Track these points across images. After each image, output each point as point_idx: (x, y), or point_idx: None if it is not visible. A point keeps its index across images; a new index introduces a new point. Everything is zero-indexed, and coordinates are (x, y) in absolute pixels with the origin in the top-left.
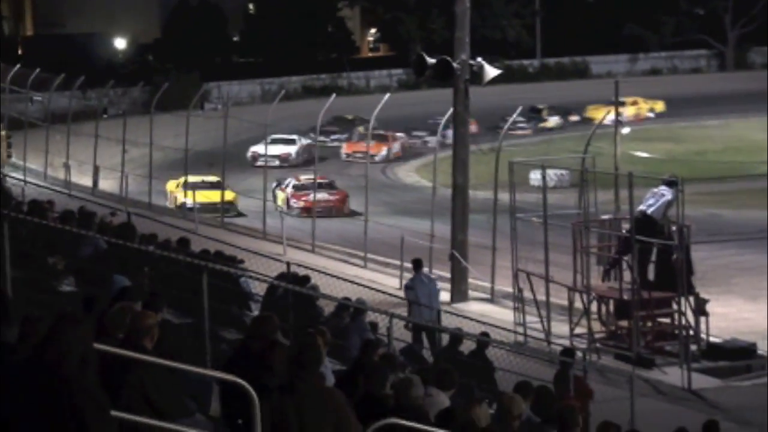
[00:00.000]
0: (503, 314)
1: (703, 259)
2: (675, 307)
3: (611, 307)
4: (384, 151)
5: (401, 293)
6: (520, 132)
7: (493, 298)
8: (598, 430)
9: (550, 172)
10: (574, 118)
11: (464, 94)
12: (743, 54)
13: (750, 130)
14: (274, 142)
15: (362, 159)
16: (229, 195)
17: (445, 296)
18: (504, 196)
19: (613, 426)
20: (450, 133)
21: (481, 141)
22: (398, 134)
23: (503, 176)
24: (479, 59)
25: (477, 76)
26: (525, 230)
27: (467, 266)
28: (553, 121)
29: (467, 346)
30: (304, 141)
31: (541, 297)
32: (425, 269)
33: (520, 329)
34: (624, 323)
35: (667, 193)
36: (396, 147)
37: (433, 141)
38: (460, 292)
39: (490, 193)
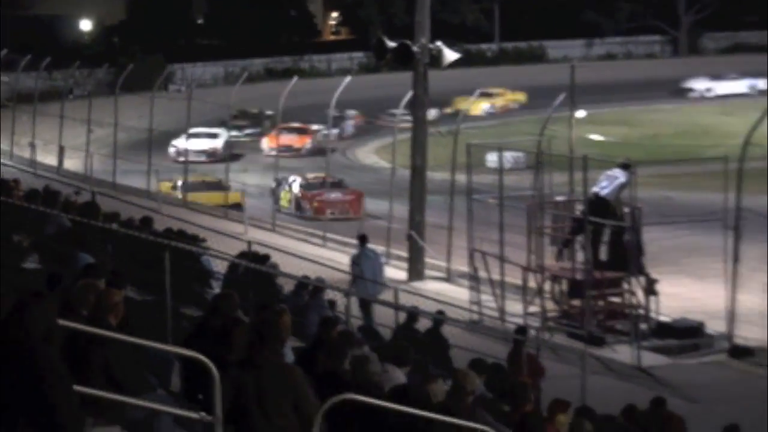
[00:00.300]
0: (459, 293)
1: (654, 240)
2: (626, 286)
3: (564, 287)
4: (308, 143)
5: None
6: (403, 125)
7: (449, 278)
8: (550, 407)
9: (507, 155)
10: (448, 110)
11: (423, 78)
12: (696, 39)
13: (701, 114)
14: (196, 136)
15: (286, 153)
16: (234, 197)
17: (402, 275)
18: (461, 178)
19: (564, 402)
20: (349, 124)
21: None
22: (314, 127)
23: (461, 158)
24: (438, 43)
25: (436, 59)
26: (481, 211)
27: (424, 246)
28: (432, 113)
29: (423, 324)
30: (226, 134)
31: (496, 276)
32: (369, 244)
33: (475, 308)
34: (576, 302)
35: (620, 175)
36: (320, 136)
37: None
38: (416, 272)
39: (447, 175)
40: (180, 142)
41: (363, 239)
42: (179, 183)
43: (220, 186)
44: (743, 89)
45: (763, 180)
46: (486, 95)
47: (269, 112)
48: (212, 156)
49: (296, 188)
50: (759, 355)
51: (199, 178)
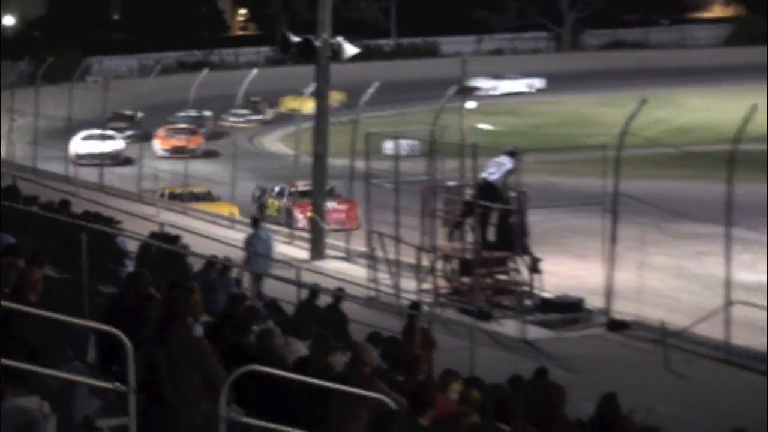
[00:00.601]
0: (357, 271)
1: (538, 222)
2: (512, 265)
3: (455, 266)
4: (202, 143)
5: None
6: (244, 125)
7: (348, 257)
8: (441, 377)
9: (403, 143)
10: (279, 110)
11: (325, 71)
12: (578, 36)
13: (582, 105)
14: (90, 138)
15: (182, 154)
16: (231, 208)
17: (304, 255)
18: (360, 164)
19: (454, 373)
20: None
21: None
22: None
23: (360, 146)
24: (339, 38)
25: (337, 54)
26: (378, 195)
27: (325, 227)
28: (270, 113)
29: (324, 301)
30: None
31: (392, 256)
32: (263, 224)
33: (372, 285)
34: (466, 280)
35: (507, 162)
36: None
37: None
38: (318, 251)
39: (347, 161)
40: (78, 146)
41: (255, 221)
42: (165, 192)
43: (209, 197)
44: (523, 88)
45: (639, 166)
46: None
47: (141, 114)
48: (115, 159)
49: (287, 198)
50: (634, 328)
51: (186, 189)
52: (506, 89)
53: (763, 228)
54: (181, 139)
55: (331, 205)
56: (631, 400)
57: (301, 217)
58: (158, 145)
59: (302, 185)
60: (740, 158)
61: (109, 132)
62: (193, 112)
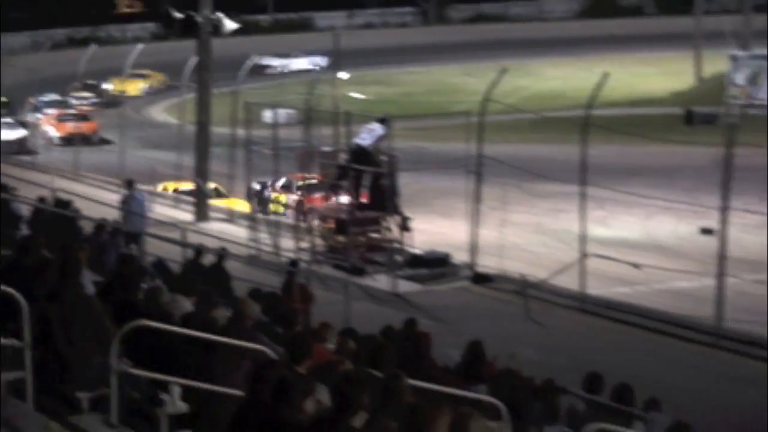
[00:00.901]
0: (239, 232)
1: (407, 184)
2: (384, 224)
3: (331, 225)
4: (98, 129)
5: (151, 215)
6: (87, 108)
7: (230, 219)
8: (318, 329)
9: (281, 111)
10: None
11: (207, 45)
12: (443, 11)
13: (448, 75)
14: None
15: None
16: (240, 203)
17: (189, 217)
18: (241, 132)
19: (330, 325)
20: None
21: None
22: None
23: (241, 115)
24: (219, 14)
25: (218, 29)
26: (258, 161)
27: (209, 191)
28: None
29: (208, 260)
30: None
31: (272, 217)
32: (137, 185)
33: (254, 244)
34: (341, 238)
35: (378, 128)
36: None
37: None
38: (202, 213)
39: (228, 129)
40: None
41: (130, 183)
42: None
43: (219, 193)
44: (309, 66)
45: (500, 131)
46: (139, 76)
47: (3, 99)
48: (23, 147)
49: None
50: (497, 281)
51: (180, 185)
52: (296, 67)
53: (616, 187)
54: (76, 125)
55: (342, 199)
56: (494, 347)
57: None
58: (54, 132)
59: (309, 177)
60: (593, 122)
61: (9, 119)
62: (55, 96)
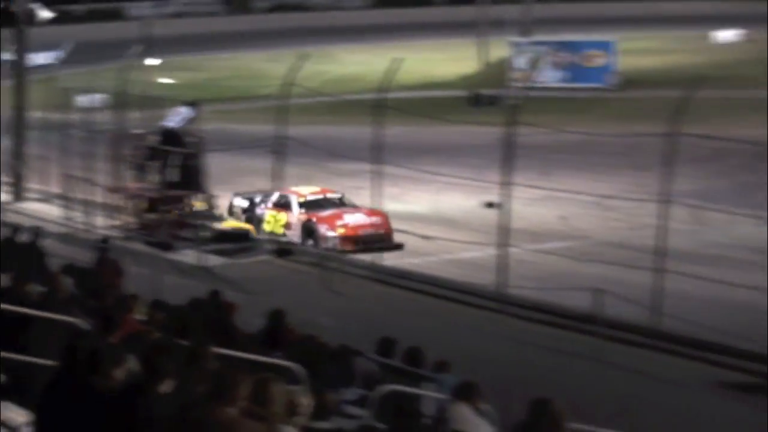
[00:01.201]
0: (54, 211)
1: (215, 164)
2: (191, 202)
3: (142, 204)
4: None
5: None
6: None
7: (46, 199)
8: (128, 301)
9: (95, 96)
10: None
11: (23, 34)
12: (248, 0)
13: (252, 61)
14: None
15: None
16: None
17: (8, 198)
18: (56, 116)
19: (139, 297)
20: None
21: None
22: None
23: (56, 100)
24: (34, 4)
25: (33, 18)
26: (72, 143)
27: (25, 172)
28: None
29: (25, 238)
30: None
31: (86, 197)
32: None
33: (68, 223)
34: (151, 216)
35: (186, 111)
36: None
37: None
38: (19, 194)
39: (44, 114)
40: None
41: None
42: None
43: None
44: (49, 60)
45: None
46: None
47: None
48: None
49: (297, 210)
50: (298, 254)
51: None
52: (41, 61)
53: (409, 165)
54: None
55: (359, 218)
56: (296, 315)
57: (332, 234)
58: None
59: (309, 193)
60: (387, 104)
61: None
62: None
